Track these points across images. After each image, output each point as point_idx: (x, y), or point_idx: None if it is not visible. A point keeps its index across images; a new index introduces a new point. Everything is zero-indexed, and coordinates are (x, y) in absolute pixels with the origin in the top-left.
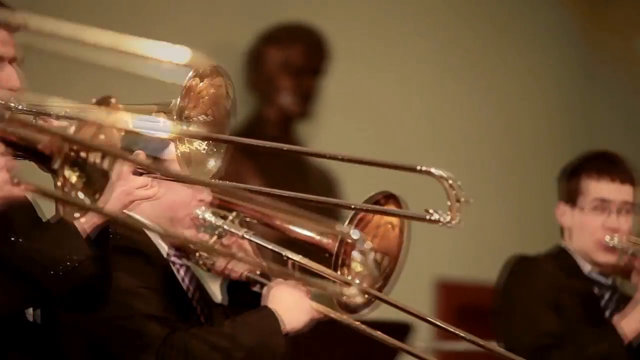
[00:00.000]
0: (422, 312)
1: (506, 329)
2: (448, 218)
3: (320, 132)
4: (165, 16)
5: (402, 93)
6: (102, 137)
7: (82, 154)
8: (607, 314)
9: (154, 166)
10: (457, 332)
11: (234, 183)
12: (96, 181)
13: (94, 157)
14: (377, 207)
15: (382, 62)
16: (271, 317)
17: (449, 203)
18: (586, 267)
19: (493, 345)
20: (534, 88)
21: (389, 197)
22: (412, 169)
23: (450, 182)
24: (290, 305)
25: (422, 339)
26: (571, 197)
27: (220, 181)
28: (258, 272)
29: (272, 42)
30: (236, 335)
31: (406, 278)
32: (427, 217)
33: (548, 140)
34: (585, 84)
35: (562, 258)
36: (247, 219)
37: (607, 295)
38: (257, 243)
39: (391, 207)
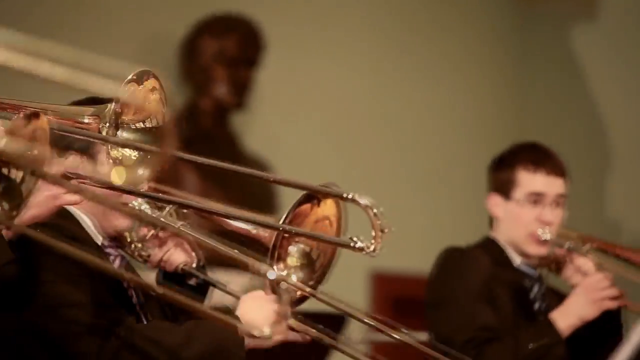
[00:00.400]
0: (352, 309)
1: (442, 321)
2: (372, 247)
3: (254, 123)
4: (101, 6)
5: (337, 84)
6: (35, 152)
7: (6, 168)
8: (536, 306)
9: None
10: (383, 328)
11: (161, 195)
12: (19, 194)
13: (21, 173)
14: (302, 230)
15: (316, 54)
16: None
17: (373, 233)
18: (516, 259)
19: (422, 337)
20: (466, 79)
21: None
22: (339, 196)
23: (375, 211)
24: (256, 321)
25: (358, 329)
26: (505, 188)
27: (146, 192)
28: (194, 265)
29: (207, 33)
30: (193, 336)
31: (342, 270)
32: (352, 244)
33: (481, 132)
34: (518, 75)
35: (492, 249)
36: (184, 211)
37: (535, 288)
38: (193, 236)
39: (326, 203)
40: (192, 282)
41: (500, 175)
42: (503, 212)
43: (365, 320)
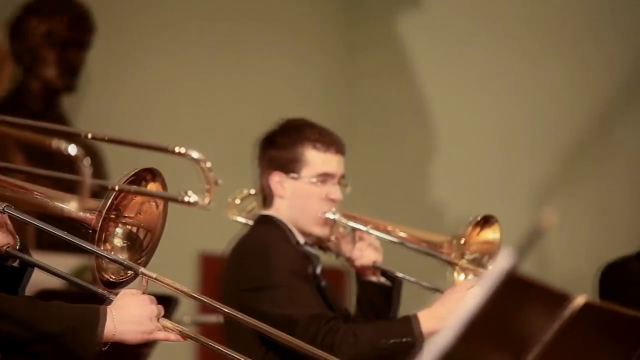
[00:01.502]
0: (186, 288)
1: (275, 303)
2: (207, 201)
3: (83, 105)
4: None
5: (166, 65)
6: None
7: None
8: (322, 283)
9: None
10: (217, 305)
11: None
12: None
13: None
14: (135, 187)
15: (146, 36)
16: (94, 315)
17: (206, 186)
18: (299, 238)
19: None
20: (293, 64)
21: (154, 174)
22: (169, 151)
23: (207, 164)
24: (132, 318)
25: (186, 312)
26: (291, 166)
27: None
28: (17, 247)
29: (36, 14)
30: (47, 314)
31: (170, 252)
32: (185, 198)
33: (309, 117)
34: (345, 60)
35: (278, 228)
36: (8, 193)
37: (318, 267)
38: (17, 217)
39: (153, 185)
40: (16, 264)
41: (284, 153)
42: (288, 191)
43: (197, 297)
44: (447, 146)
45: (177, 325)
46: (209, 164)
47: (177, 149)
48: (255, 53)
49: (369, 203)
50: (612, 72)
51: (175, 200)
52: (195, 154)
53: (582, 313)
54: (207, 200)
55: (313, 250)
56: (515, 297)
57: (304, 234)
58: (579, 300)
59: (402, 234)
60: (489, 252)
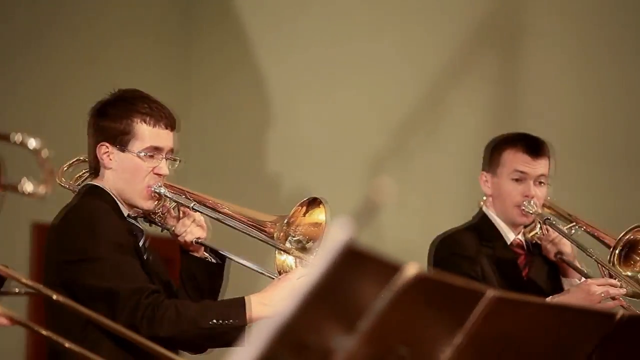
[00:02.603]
0: (17, 274)
1: (96, 275)
2: (43, 191)
3: None
4: None
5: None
6: None
7: None
8: (145, 256)
9: None
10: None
11: None
12: None
13: None
14: None
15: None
16: None
17: (43, 176)
18: (126, 211)
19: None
20: (131, 38)
21: None
22: (6, 138)
23: (44, 154)
24: None
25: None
26: (120, 139)
27: None
28: None
29: None
30: None
31: (4, 221)
32: (19, 187)
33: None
34: (182, 35)
35: (104, 200)
36: None
37: (142, 239)
38: None
39: None
40: None
41: (114, 124)
42: (116, 163)
43: (23, 281)
44: (282, 121)
45: (5, 310)
46: (45, 153)
47: (14, 138)
48: (93, 23)
49: (206, 178)
50: (443, 45)
51: (9, 188)
52: (32, 143)
53: (413, 283)
54: (42, 190)
55: (138, 223)
56: (350, 267)
57: (130, 206)
58: (410, 270)
59: (228, 212)
60: (315, 234)
